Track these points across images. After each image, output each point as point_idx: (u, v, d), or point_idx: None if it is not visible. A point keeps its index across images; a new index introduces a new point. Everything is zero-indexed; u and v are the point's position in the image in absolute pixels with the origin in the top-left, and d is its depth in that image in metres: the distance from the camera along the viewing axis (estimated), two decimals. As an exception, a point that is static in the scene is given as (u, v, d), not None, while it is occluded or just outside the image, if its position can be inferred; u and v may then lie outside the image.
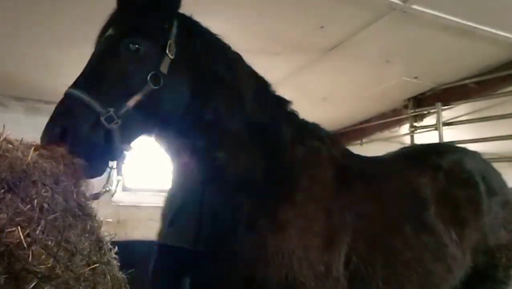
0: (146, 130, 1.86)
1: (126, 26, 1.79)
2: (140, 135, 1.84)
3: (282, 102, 2.18)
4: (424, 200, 2.30)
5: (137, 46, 1.74)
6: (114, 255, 1.61)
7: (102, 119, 1.60)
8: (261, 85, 2.11)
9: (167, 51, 1.77)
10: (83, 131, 1.58)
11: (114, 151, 1.66)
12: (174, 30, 1.84)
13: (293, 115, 2.21)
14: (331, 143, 2.25)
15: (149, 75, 1.71)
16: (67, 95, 1.64)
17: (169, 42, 1.79)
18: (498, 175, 2.72)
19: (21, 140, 1.43)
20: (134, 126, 1.73)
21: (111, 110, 1.62)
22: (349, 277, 1.99)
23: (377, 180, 2.28)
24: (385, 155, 2.73)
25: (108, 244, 1.60)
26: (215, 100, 1.91)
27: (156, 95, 1.72)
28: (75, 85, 1.66)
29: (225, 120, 1.94)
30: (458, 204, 2.37)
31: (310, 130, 2.23)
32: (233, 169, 1.98)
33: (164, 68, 1.76)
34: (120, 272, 1.61)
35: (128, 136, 1.72)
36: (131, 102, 1.67)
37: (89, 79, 1.69)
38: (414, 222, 2.21)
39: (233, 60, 2.01)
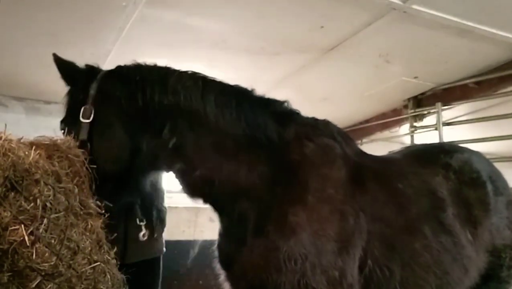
0: None
1: (63, 116, 2.06)
2: None
3: (269, 105, 2.14)
4: (442, 200, 2.27)
5: (64, 128, 1.98)
6: (113, 255, 1.61)
7: None
8: (232, 97, 2.06)
9: (80, 118, 1.92)
10: None
11: None
12: (91, 93, 1.98)
13: (291, 113, 2.18)
14: (344, 141, 2.18)
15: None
16: None
17: (82, 109, 1.93)
18: (501, 175, 2.71)
19: (21, 138, 1.44)
20: None
21: None
22: (364, 282, 1.95)
23: (393, 180, 2.23)
24: (390, 154, 2.70)
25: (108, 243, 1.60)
26: (171, 127, 1.95)
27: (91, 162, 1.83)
28: None
29: (194, 141, 1.97)
30: (470, 203, 2.35)
31: (320, 127, 2.18)
32: (222, 182, 1.97)
33: (83, 134, 1.89)
34: (119, 272, 1.61)
35: None
36: None
37: None
38: (433, 223, 2.17)
39: (175, 88, 1.99)
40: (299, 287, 1.78)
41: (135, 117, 1.95)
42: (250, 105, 2.07)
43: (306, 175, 1.97)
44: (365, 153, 2.35)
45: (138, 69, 2.04)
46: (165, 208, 2.91)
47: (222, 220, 2.12)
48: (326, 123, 2.23)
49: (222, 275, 2.13)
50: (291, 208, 1.88)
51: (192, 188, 2.06)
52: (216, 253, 2.16)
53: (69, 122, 1.97)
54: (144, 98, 1.94)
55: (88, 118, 1.90)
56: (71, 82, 2.07)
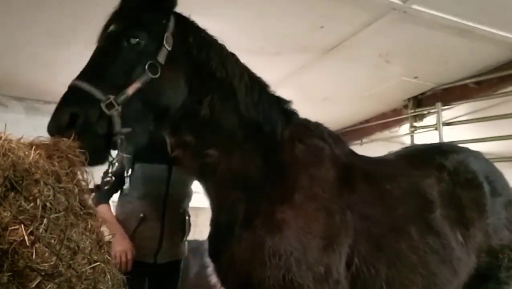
0: (146, 121, 1.85)
1: (127, 22, 1.87)
2: (141, 126, 1.82)
3: (279, 101, 2.18)
4: (431, 202, 2.27)
5: (137, 39, 1.82)
6: (113, 255, 1.61)
7: (103, 105, 1.64)
8: (256, 84, 2.12)
9: (164, 43, 1.84)
10: (91, 117, 1.62)
11: (115, 138, 1.67)
12: (171, 25, 1.91)
13: (292, 114, 2.21)
14: (334, 142, 2.22)
15: (147, 64, 1.77)
16: (70, 87, 1.69)
17: (166, 35, 1.86)
18: (500, 175, 2.69)
19: (21, 138, 1.43)
20: (134, 114, 1.75)
21: (112, 97, 1.66)
22: (351, 279, 1.97)
23: (382, 181, 2.25)
24: (387, 155, 2.71)
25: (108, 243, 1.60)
26: (210, 96, 1.96)
27: (154, 83, 1.78)
28: (79, 77, 1.71)
29: (219, 117, 1.98)
30: (463, 204, 2.34)
31: (311, 129, 2.22)
32: (226, 167, 1.99)
33: (161, 58, 1.83)
34: (119, 272, 1.61)
35: (129, 124, 1.72)
36: (130, 90, 1.71)
37: (92, 70, 1.75)
38: (420, 224, 2.18)
39: (227, 57, 2.04)
40: (284, 282, 1.81)
41: (194, 71, 1.94)
42: (267, 98, 2.13)
43: (295, 175, 2.01)
44: (356, 154, 2.38)
45: (199, 30, 2.03)
46: None
47: (214, 208, 2.13)
48: (317, 125, 2.27)
49: (210, 267, 2.14)
50: (279, 206, 1.92)
51: (198, 164, 2.04)
52: (206, 245, 2.17)
53: (142, 35, 1.82)
54: (206, 62, 1.95)
55: (170, 46, 1.86)
56: None
